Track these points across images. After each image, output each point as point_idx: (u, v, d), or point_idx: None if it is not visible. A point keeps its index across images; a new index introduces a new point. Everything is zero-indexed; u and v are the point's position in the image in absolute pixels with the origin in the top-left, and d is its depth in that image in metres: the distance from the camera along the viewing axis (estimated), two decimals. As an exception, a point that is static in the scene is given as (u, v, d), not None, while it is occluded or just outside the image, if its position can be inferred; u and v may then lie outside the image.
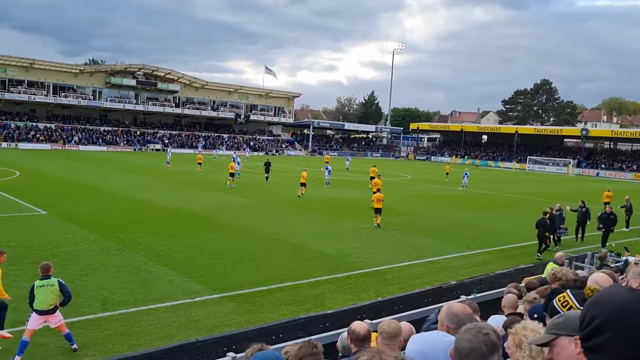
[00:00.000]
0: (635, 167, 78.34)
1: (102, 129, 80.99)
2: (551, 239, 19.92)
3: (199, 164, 46.90)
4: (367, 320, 7.94)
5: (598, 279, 4.42)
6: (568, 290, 3.78)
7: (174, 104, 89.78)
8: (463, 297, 9.92)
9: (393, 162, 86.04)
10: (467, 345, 2.48)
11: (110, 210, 23.37)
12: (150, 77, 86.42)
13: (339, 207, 28.40)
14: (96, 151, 70.52)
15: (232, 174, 34.96)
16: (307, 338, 7.60)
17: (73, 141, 74.06)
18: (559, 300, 3.68)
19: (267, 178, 39.24)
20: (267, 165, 39.97)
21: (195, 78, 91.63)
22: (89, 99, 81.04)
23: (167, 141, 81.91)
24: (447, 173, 51.88)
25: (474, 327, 2.58)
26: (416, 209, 29.33)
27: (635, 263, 9.01)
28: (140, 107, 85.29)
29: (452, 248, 19.36)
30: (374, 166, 39.91)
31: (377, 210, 23.10)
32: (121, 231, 18.96)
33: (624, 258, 16.13)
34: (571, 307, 3.52)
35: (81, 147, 72.41)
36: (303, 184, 31.75)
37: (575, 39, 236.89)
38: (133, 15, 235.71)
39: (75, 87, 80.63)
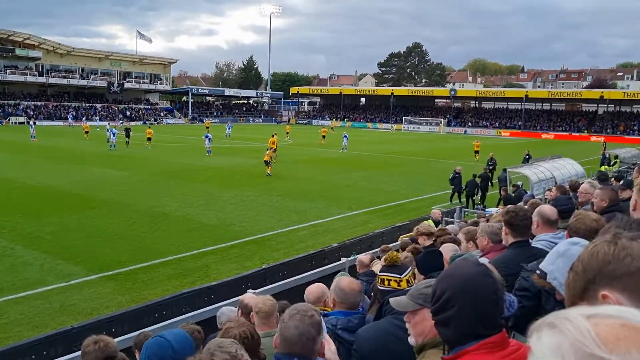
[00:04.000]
0: (497, 124, 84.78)
1: (-48, 101, 72.80)
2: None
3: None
4: (250, 290, 8.00)
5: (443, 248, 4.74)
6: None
7: (36, 73, 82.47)
8: (343, 259, 10.28)
9: (275, 127, 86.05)
10: (295, 332, 2.48)
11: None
12: (7, 42, 78.47)
13: (220, 175, 28.00)
14: (-53, 127, 63.39)
15: (267, 162, 28.44)
16: (190, 314, 7.50)
17: None
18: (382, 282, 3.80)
19: (127, 143, 41.70)
20: (127, 131, 43.54)
21: (59, 44, 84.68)
22: None
23: (32, 113, 75.42)
24: (323, 136, 52.14)
25: (297, 311, 2.58)
26: (298, 173, 29.69)
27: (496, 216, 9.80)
28: (-4, 76, 77.51)
29: (334, 210, 19.92)
30: (273, 135, 35.41)
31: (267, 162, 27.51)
32: (-19, 215, 17.36)
33: (489, 210, 17.57)
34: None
35: None
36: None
37: (446, 2, 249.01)
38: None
39: None
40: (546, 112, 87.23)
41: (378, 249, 9.44)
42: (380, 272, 3.70)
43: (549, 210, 4.34)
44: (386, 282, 3.61)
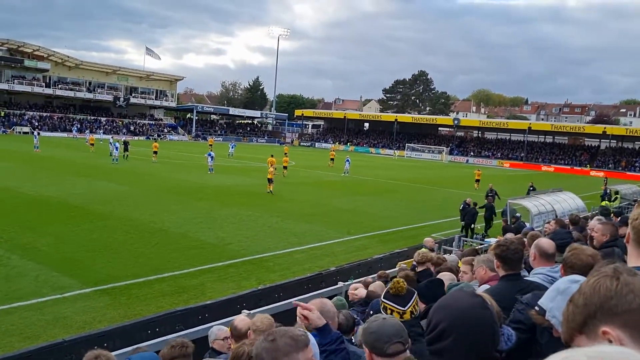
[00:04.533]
0: (499, 154, 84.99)
1: (-42, 108, 73.17)
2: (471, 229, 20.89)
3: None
4: (245, 311, 7.93)
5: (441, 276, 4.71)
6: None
7: (44, 84, 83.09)
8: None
9: (278, 148, 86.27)
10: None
11: (-33, 200, 21.25)
12: (16, 53, 79.28)
13: (221, 194, 28.00)
14: (-49, 133, 63.64)
15: (270, 180, 29.66)
16: (183, 332, 7.44)
17: None
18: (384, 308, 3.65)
19: (125, 156, 42.57)
20: (126, 144, 44.15)
21: (68, 56, 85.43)
22: (-58, 75, 72.82)
23: (36, 124, 75.77)
24: (331, 159, 52.98)
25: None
26: (298, 195, 29.67)
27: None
28: (4, 86, 77.93)
29: (333, 234, 19.85)
30: (272, 156, 36.71)
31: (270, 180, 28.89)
32: (-20, 223, 17.32)
33: (488, 240, 17.49)
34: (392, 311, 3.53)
35: None
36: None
37: (453, 32, 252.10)
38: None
39: None
40: (548, 144, 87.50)
41: (375, 275, 9.39)
42: (383, 297, 3.57)
43: (546, 243, 4.33)
44: (388, 311, 3.47)
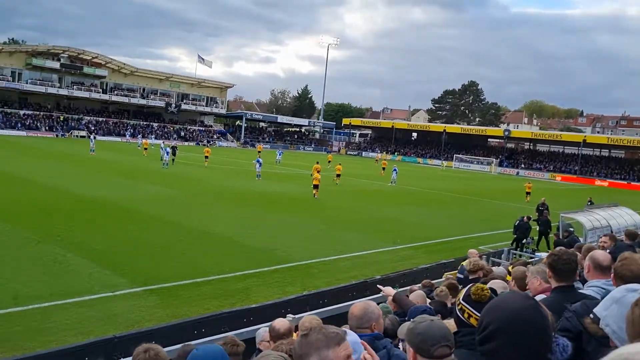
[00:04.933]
0: (551, 167, 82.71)
1: (21, 112, 76.63)
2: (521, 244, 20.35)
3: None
4: (290, 315, 7.97)
5: (491, 284, 4.60)
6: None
7: (101, 90, 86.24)
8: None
9: (325, 156, 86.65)
10: None
11: (28, 199, 22.20)
12: (76, 60, 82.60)
13: (267, 200, 28.28)
14: (14, 136, 66.67)
15: (316, 186, 30.83)
16: (228, 334, 7.54)
17: (-12, 124, 69.82)
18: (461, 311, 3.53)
19: (173, 160, 43.05)
20: (174, 149, 44.98)
21: (124, 64, 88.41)
22: (7, 81, 76.42)
23: (92, 128, 78.61)
24: (383, 168, 52.94)
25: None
26: (345, 203, 29.66)
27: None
28: (64, 92, 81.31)
29: (379, 243, 19.73)
30: (317, 163, 38.70)
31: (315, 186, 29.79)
32: (39, 221, 18.06)
33: (538, 254, 17.02)
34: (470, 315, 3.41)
35: (-2, 131, 68.34)
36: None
37: (505, 42, 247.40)
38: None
39: (-9, 67, 75.92)
40: (604, 158, 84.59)
41: (420, 284, 9.27)
42: (463, 300, 3.40)
43: (601, 255, 4.18)
44: (466, 315, 3.33)
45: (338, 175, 40.33)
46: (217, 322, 8.84)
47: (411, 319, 4.74)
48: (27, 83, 78.00)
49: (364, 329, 3.64)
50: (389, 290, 6.09)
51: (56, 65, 79.56)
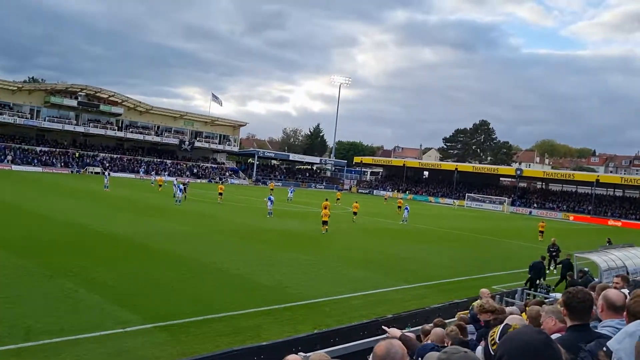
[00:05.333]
0: (564, 207, 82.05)
1: (38, 149, 78.01)
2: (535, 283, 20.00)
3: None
4: (301, 354, 7.91)
5: (508, 320, 4.59)
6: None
7: (116, 127, 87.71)
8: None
9: (341, 195, 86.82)
10: None
11: (42, 235, 22.41)
12: (93, 98, 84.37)
13: (279, 237, 28.29)
14: (31, 172, 67.69)
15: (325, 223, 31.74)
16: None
17: (6, 160, 70.96)
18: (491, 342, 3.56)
19: (185, 197, 43.60)
20: (185, 186, 46.03)
21: (139, 102, 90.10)
22: (26, 118, 78.11)
23: (107, 164, 79.65)
24: (399, 207, 52.67)
25: None
26: (356, 242, 29.57)
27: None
28: (80, 129, 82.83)
29: (391, 281, 19.58)
30: (326, 199, 40.00)
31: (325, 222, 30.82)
32: (52, 257, 18.18)
33: (553, 295, 16.78)
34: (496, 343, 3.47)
35: (14, 167, 69.41)
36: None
37: (516, 83, 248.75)
38: (81, 34, 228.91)
39: (11, 105, 77.68)
40: (618, 198, 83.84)
41: (431, 324, 9.18)
42: (499, 339, 3.35)
43: (614, 295, 4.16)
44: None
45: (355, 213, 40.72)
46: (228, 359, 8.78)
47: (419, 356, 4.72)
48: (45, 120, 79.68)
49: None
50: (394, 332, 6.06)
51: (74, 103, 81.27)
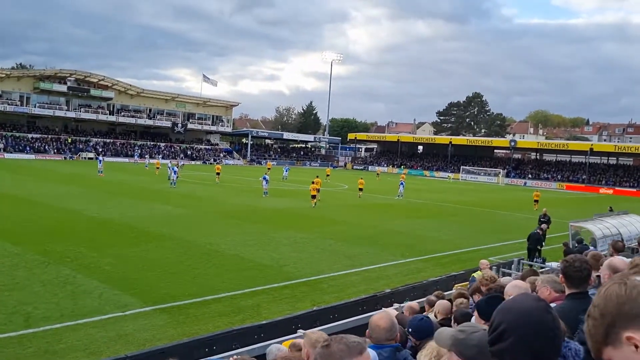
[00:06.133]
0: (559, 176, 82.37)
1: (30, 136, 77.42)
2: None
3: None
4: (301, 331, 7.96)
5: (508, 288, 4.60)
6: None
7: (108, 112, 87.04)
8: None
9: (331, 172, 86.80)
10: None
11: (37, 222, 22.34)
12: (83, 83, 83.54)
13: (275, 216, 28.32)
14: (23, 159, 67.30)
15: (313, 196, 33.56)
16: (239, 350, 7.54)
17: (-2, 149, 70.54)
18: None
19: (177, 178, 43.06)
20: (179, 168, 46.65)
21: (130, 85, 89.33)
22: (16, 105, 77.41)
23: (100, 150, 79.22)
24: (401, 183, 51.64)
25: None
26: (352, 218, 29.63)
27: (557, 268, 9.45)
28: (71, 114, 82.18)
29: (387, 256, 19.67)
30: (317, 177, 39.39)
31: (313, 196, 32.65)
32: (48, 243, 18.13)
33: (549, 264, 16.91)
34: None
35: (6, 155, 68.89)
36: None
37: (509, 53, 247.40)
38: (69, 18, 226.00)
39: (1, 92, 76.80)
40: (612, 166, 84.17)
41: (431, 295, 9.24)
42: None
43: (620, 262, 4.18)
44: None
45: (361, 189, 41.31)
46: (228, 339, 8.83)
47: (412, 329, 4.72)
48: (35, 107, 78.94)
49: (391, 341, 3.65)
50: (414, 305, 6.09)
51: (63, 88, 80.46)
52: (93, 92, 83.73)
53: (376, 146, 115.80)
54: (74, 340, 10.14)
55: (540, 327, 1.72)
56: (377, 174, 76.68)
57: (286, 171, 59.29)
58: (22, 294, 12.56)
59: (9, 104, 76.52)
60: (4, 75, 76.69)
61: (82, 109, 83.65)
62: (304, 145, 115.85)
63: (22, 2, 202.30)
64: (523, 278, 6.44)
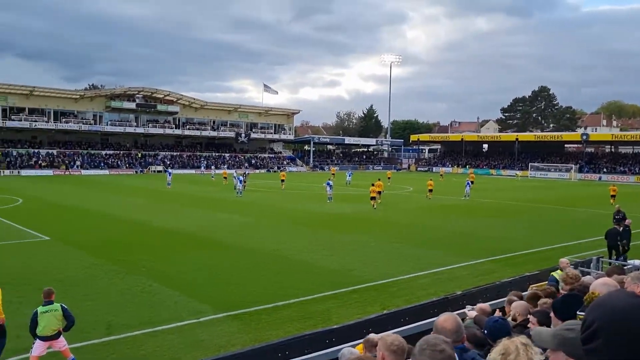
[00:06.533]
0: (637, 169, 78.20)
1: (103, 152, 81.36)
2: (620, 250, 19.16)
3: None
4: (372, 335, 7.89)
5: (597, 285, 4.38)
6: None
7: (174, 125, 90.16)
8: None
9: (395, 174, 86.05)
10: None
11: (113, 234, 23.36)
12: (150, 99, 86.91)
13: (340, 221, 28.34)
14: (98, 175, 70.75)
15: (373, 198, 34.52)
16: (311, 355, 7.56)
17: (75, 166, 74.41)
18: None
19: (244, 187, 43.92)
20: (244, 177, 47.84)
21: (194, 99, 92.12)
22: (90, 124, 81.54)
23: (168, 162, 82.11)
24: (472, 182, 50.42)
25: (427, 345, 2.50)
26: (418, 220, 29.24)
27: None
28: (140, 130, 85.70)
29: (457, 258, 19.25)
30: (379, 180, 39.37)
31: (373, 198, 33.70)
32: (124, 254, 18.93)
33: (631, 262, 16.04)
34: None
35: (83, 172, 72.66)
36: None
37: (577, 43, 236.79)
38: (135, 38, 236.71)
39: (76, 113, 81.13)
40: (695, 156, 79.17)
41: (506, 297, 8.94)
42: None
43: None
44: None
45: (430, 191, 41.66)
46: (300, 344, 8.87)
47: (487, 330, 4.59)
48: (107, 125, 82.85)
49: (457, 342, 3.59)
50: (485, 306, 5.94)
51: (132, 105, 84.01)
52: (159, 107, 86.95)
53: (440, 147, 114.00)
54: (153, 346, 10.50)
55: (635, 326, 1.61)
56: (441, 174, 75.64)
57: (349, 176, 59.33)
58: (103, 303, 13.15)
59: (83, 123, 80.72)
60: (78, 97, 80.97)
61: (150, 125, 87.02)
62: (366, 149, 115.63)
63: (91, 27, 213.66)
64: (608, 276, 6.13)
